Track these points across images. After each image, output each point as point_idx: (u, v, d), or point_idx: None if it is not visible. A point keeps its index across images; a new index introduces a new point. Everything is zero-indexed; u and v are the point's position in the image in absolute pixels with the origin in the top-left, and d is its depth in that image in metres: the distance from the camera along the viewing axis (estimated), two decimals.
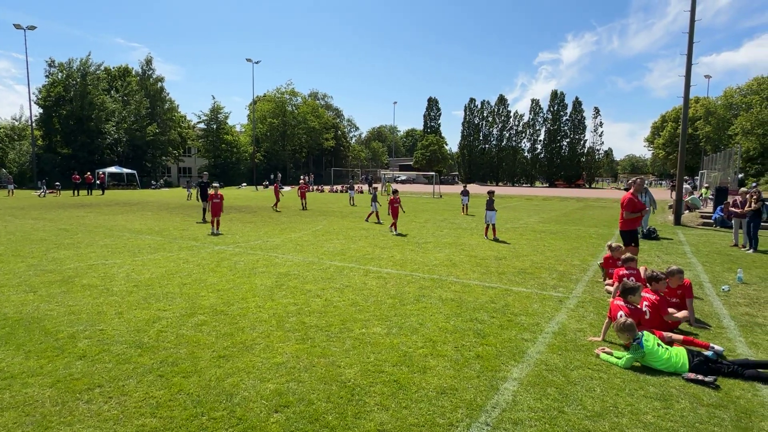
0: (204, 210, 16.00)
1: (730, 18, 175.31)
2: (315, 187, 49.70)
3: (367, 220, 17.32)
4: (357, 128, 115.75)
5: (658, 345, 4.53)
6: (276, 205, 22.69)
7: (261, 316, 5.79)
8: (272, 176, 57.32)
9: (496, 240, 12.95)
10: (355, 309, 6.17)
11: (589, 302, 6.73)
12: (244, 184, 56.94)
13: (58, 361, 4.39)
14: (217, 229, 13.18)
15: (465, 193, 22.14)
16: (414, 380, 4.08)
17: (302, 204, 23.69)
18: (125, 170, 48.48)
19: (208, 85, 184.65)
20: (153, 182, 51.53)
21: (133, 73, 58.08)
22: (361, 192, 40.54)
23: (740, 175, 34.06)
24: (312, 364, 4.39)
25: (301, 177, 40.63)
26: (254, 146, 62.07)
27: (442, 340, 5.07)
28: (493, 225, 13.30)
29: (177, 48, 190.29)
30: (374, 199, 17.89)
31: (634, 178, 9.27)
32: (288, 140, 68.44)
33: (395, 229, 14.01)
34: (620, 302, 5.22)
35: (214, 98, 75.18)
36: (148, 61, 57.66)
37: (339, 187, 46.68)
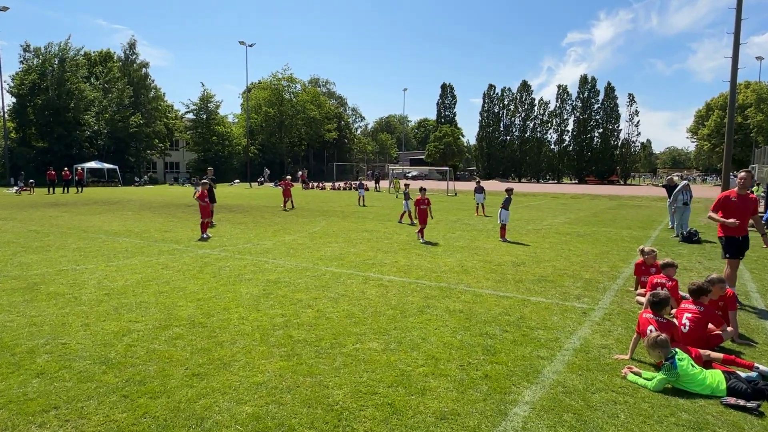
0: (211, 212, 15.88)
1: None
2: (315, 184, 49.75)
3: (400, 221, 17.28)
4: (363, 118, 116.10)
5: (692, 366, 4.41)
6: (286, 203, 22.95)
7: (243, 329, 5.75)
8: (267, 172, 57.66)
9: (505, 241, 12.94)
10: (350, 321, 6.11)
11: (617, 314, 6.60)
12: (237, 180, 57.25)
13: (12, 378, 4.37)
14: (204, 232, 13.16)
15: (479, 189, 21.75)
16: (411, 403, 4.00)
17: (290, 202, 23.70)
18: (106, 165, 48.99)
19: (198, 72, 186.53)
20: (136, 179, 52.02)
21: (115, 58, 58.68)
22: (367, 189, 40.25)
23: None
24: (296, 383, 4.33)
25: (299, 172, 40.75)
26: (248, 138, 62.39)
27: (446, 358, 4.98)
28: (504, 225, 13.34)
29: (163, 30, 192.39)
30: (407, 197, 17.81)
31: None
32: (286, 132, 68.69)
33: (422, 236, 13.08)
34: (650, 315, 5.09)
35: (203, 85, 76.01)
36: (132, 45, 58.33)
37: (342, 184, 46.64)
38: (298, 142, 71.78)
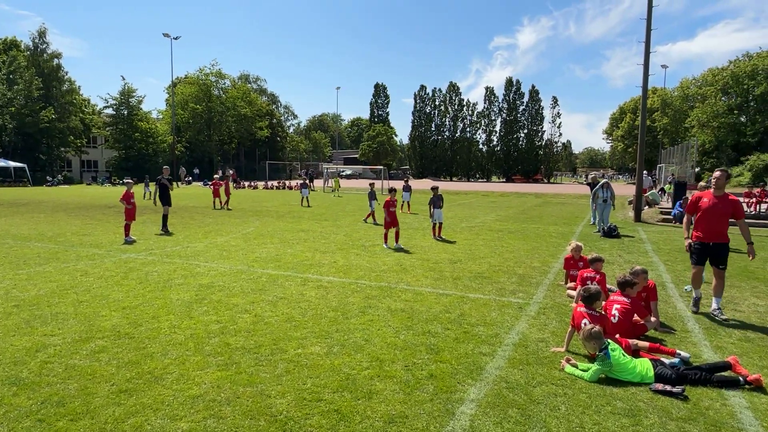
0: (164, 216, 14.38)
1: (684, 6, 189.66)
2: (248, 184, 48.31)
3: (365, 221, 16.98)
4: (295, 116, 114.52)
5: (623, 355, 4.64)
6: (219, 202, 22.81)
7: (175, 338, 5.39)
8: (195, 171, 55.33)
9: (441, 239, 13.11)
10: (290, 325, 5.90)
11: (551, 308, 6.85)
12: None
13: None
14: (128, 235, 12.31)
15: (406, 188, 22.22)
16: (358, 408, 3.90)
17: (215, 202, 23.24)
18: (12, 164, 44.83)
19: (117, 64, 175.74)
20: (49, 178, 48.07)
21: (22, 47, 53.82)
22: (313, 189, 39.18)
23: (696, 169, 36.66)
24: (236, 394, 4.10)
25: (220, 171, 39.67)
26: (174, 136, 59.42)
27: (391, 359, 4.92)
28: (440, 224, 13.56)
29: (77, 18, 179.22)
30: (372, 197, 17.54)
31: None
32: (215, 129, 66.10)
33: (396, 241, 11.83)
34: (583, 309, 5.30)
35: (124, 79, 71.08)
36: (42, 34, 53.65)
37: (275, 183, 45.61)
38: (228, 140, 69.25)
